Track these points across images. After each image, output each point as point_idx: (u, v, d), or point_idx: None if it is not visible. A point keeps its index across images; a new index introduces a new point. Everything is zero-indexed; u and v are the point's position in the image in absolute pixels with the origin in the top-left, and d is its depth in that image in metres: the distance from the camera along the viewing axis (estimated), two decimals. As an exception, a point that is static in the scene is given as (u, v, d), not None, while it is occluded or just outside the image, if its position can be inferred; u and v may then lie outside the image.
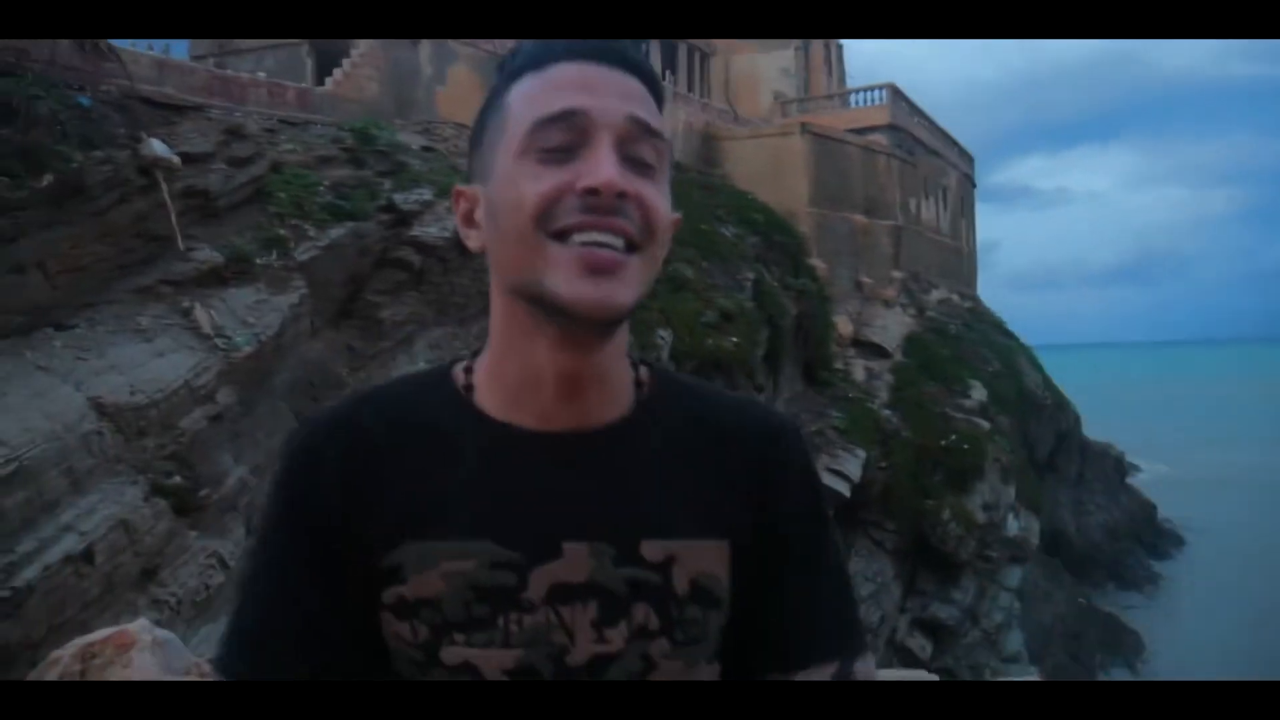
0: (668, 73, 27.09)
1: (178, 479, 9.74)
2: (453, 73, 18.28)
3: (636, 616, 0.92)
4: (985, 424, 20.84)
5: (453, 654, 0.90)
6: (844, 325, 22.39)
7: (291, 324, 11.67)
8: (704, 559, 0.95)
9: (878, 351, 22.31)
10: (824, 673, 0.96)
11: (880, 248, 25.64)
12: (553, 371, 0.94)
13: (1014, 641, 18.69)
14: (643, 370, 1.03)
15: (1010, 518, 19.98)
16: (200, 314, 10.82)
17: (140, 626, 3.34)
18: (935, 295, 27.55)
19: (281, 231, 12.21)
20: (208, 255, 11.40)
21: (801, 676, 0.96)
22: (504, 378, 0.97)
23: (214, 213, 12.03)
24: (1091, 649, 20.68)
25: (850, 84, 33.13)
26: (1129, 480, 33.66)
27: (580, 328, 0.90)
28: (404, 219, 13.58)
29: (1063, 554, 24.53)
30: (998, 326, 30.66)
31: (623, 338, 0.98)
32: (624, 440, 0.96)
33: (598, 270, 0.88)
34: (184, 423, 10.00)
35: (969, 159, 36.07)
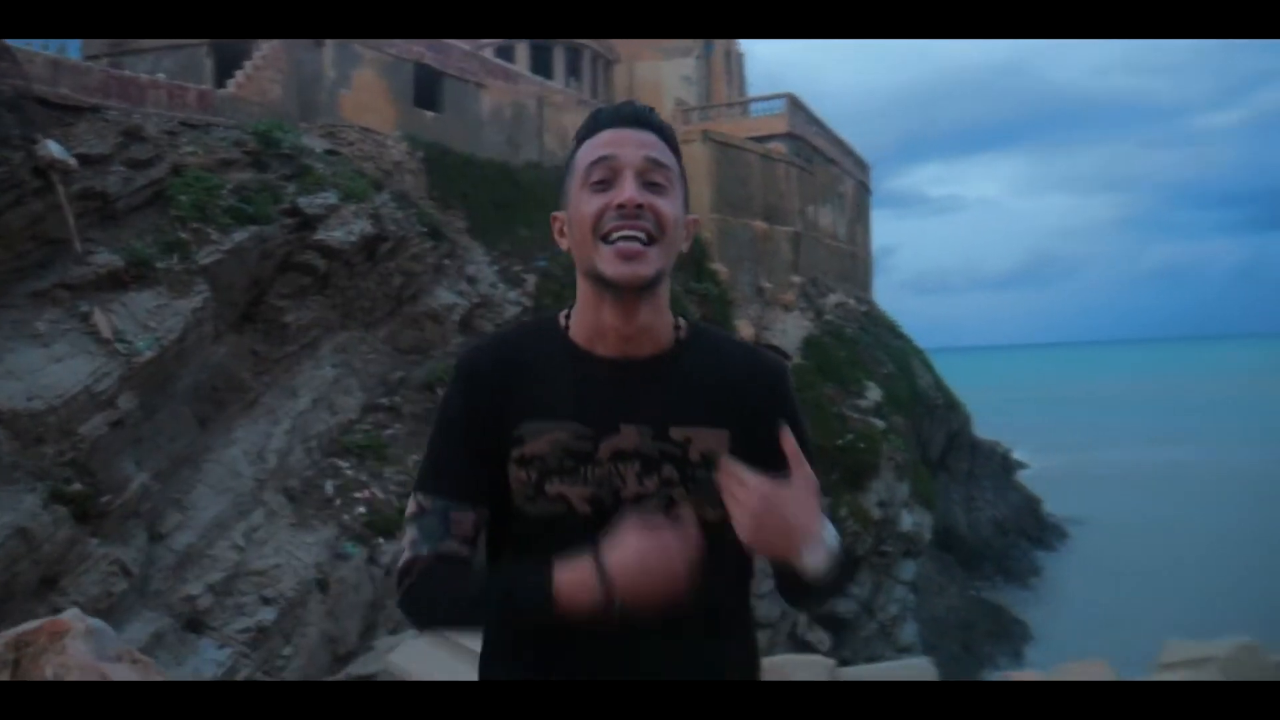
0: (571, 79, 27.35)
1: (78, 486, 9.61)
2: (357, 76, 18.20)
3: (664, 472, 1.48)
4: (880, 424, 21.55)
5: (552, 488, 1.48)
6: (745, 329, 22.88)
7: (194, 328, 11.56)
8: (710, 440, 1.49)
9: (778, 354, 22.79)
10: None
11: (780, 253, 26.26)
12: (612, 325, 1.50)
13: (909, 633, 19.38)
14: (681, 322, 1.58)
15: (904, 514, 20.71)
16: (99, 318, 10.66)
17: (73, 615, 3.47)
18: (832, 299, 28.28)
19: (183, 235, 12.06)
20: (106, 259, 11.22)
21: None
22: (584, 325, 1.53)
23: (112, 215, 11.83)
24: (982, 639, 21.51)
25: (750, 92, 33.79)
26: (1016, 477, 34.98)
27: (623, 294, 1.46)
28: (308, 222, 13.51)
29: (954, 548, 25.44)
30: (892, 329, 31.64)
31: (661, 301, 1.51)
32: (663, 365, 1.53)
33: (628, 256, 1.44)
34: (84, 429, 9.86)
35: (865, 166, 37.04)
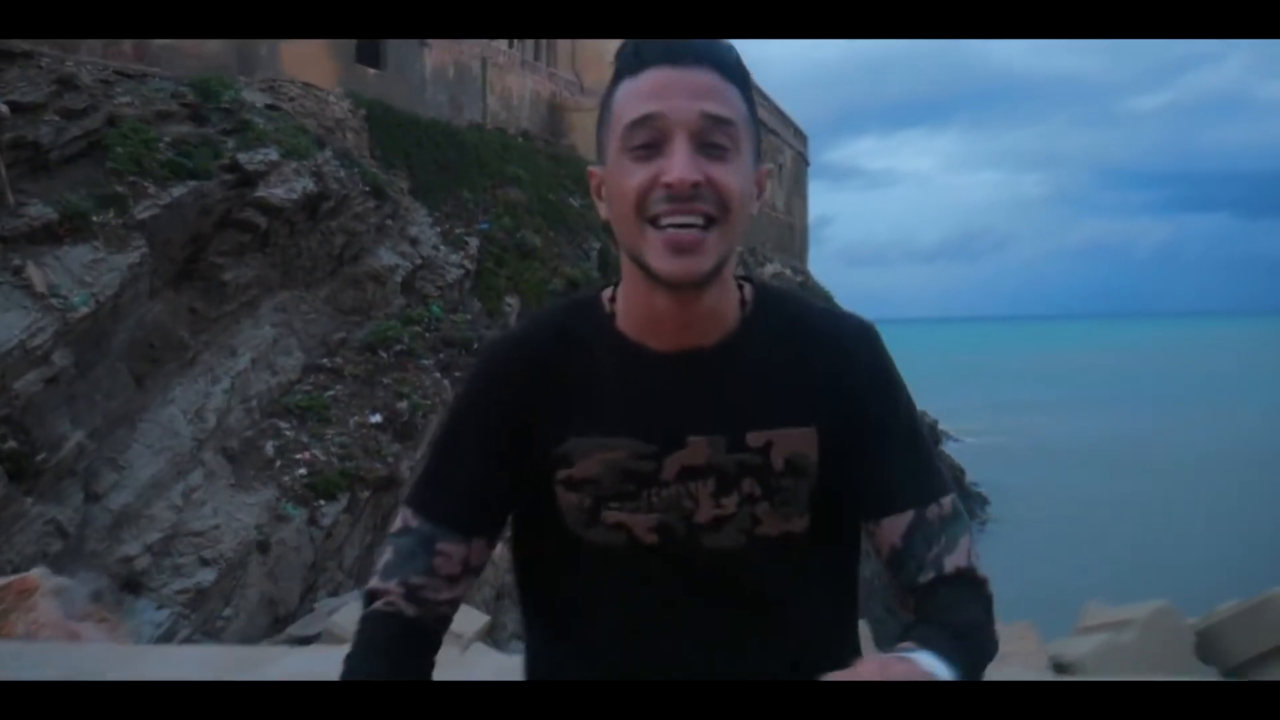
0: (514, 41, 27.04)
1: (12, 444, 9.40)
2: (297, 30, 17.79)
3: (744, 488, 1.23)
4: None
5: (610, 516, 1.24)
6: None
7: (130, 284, 11.30)
8: (796, 442, 1.23)
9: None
10: (903, 520, 1.23)
11: (720, 222, 26.38)
12: (668, 314, 1.22)
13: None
14: (746, 289, 1.30)
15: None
16: (34, 272, 10.38)
17: (40, 573, 3.47)
18: (770, 269, 28.57)
19: (119, 189, 11.76)
20: (40, 211, 10.90)
21: (885, 524, 1.24)
22: (634, 312, 1.25)
23: (45, 166, 11.49)
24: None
25: (694, 59, 33.67)
26: (943, 447, 35.81)
27: (674, 290, 1.19)
28: (249, 179, 13.24)
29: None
30: (827, 301, 32.13)
31: (725, 279, 1.23)
32: (730, 354, 1.25)
33: (681, 249, 1.15)
34: (18, 385, 9.63)
35: (803, 138, 37.30)
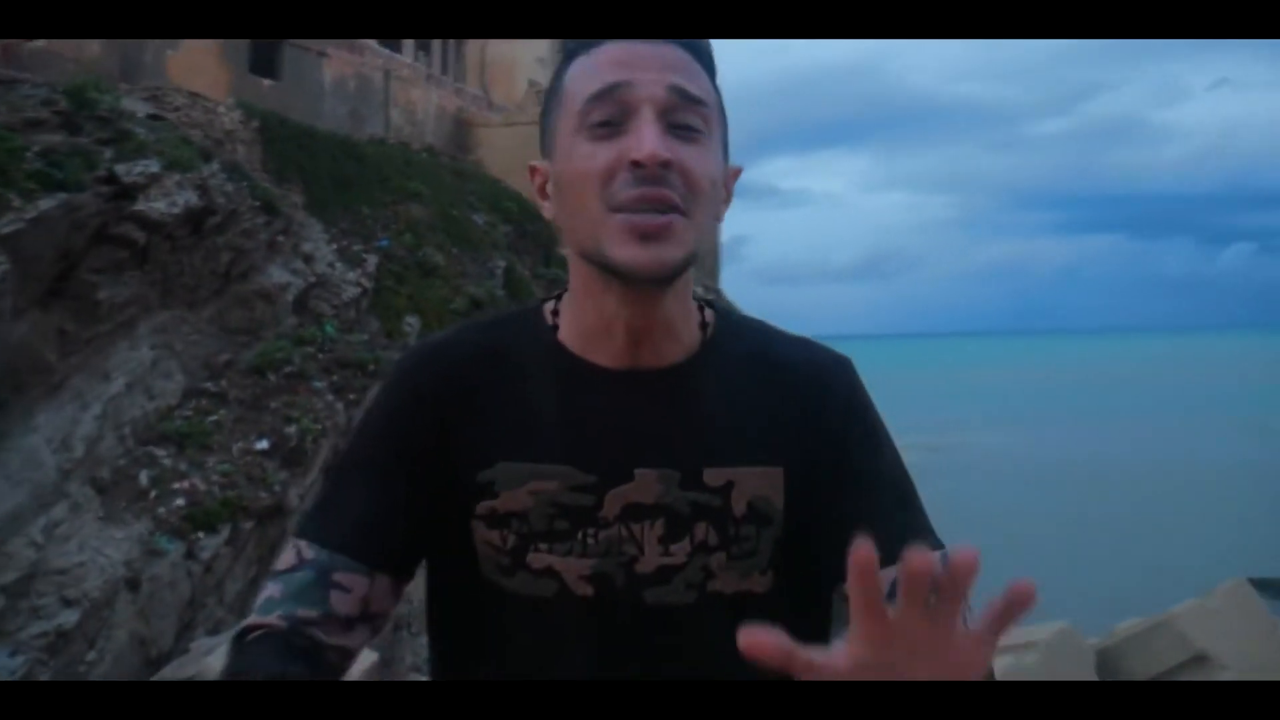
0: (421, 53, 26.50)
1: None
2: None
3: (698, 534, 1.05)
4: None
5: (538, 559, 1.04)
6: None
7: (-10, 304, 10.57)
8: (759, 483, 1.06)
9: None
10: (887, 577, 0.93)
11: (631, 240, 26.24)
12: (622, 322, 1.05)
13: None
14: (708, 313, 1.14)
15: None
16: (-124, 290, 9.61)
17: None
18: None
19: (-21, 201, 11.01)
20: (-113, 224, 10.15)
21: None
22: (582, 322, 1.09)
23: (-104, 176, 10.72)
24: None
25: (605, 77, 33.60)
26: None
27: (639, 285, 1.02)
28: (127, 192, 12.55)
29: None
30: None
31: (684, 288, 1.08)
32: (689, 378, 1.08)
33: (647, 235, 0.99)
34: None
35: (717, 157, 37.52)
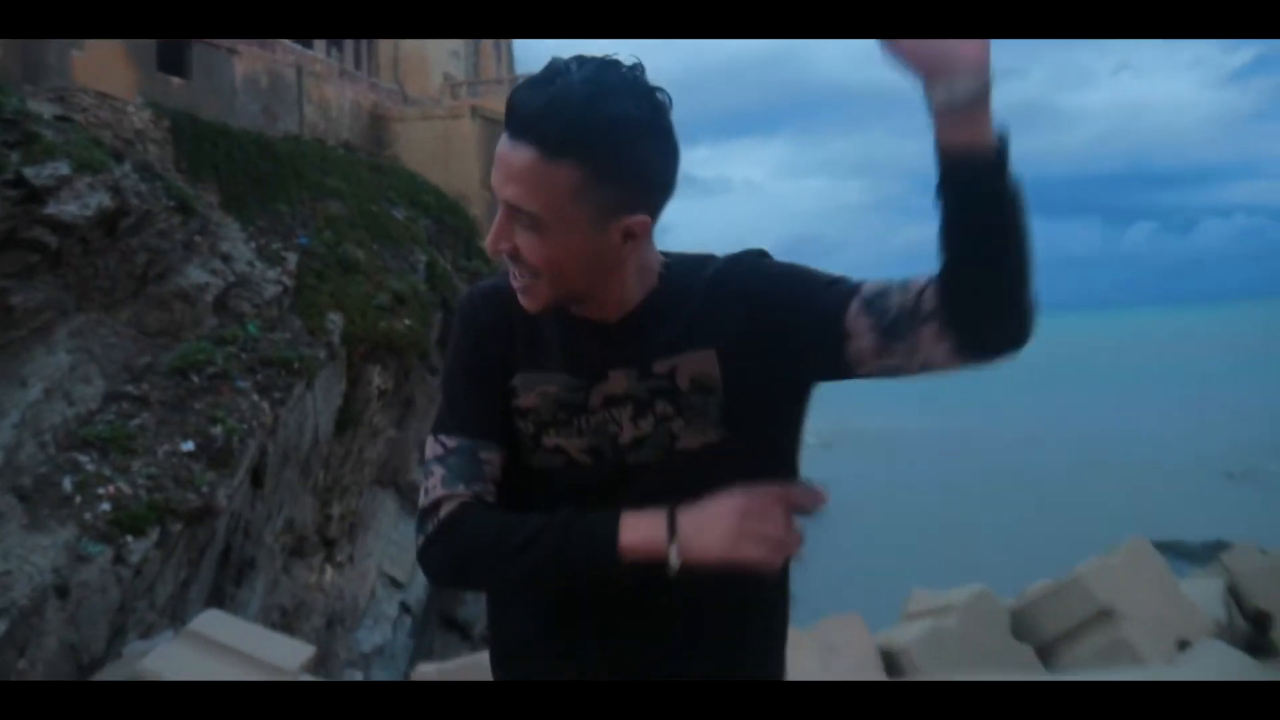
0: (334, 49, 26.23)
1: None
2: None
3: (657, 409, 1.43)
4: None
5: (549, 441, 1.45)
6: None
7: (-101, 312, 10.34)
8: (698, 363, 1.42)
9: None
10: (856, 301, 1.36)
11: (551, 231, 26.26)
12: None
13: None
14: (660, 264, 1.46)
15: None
16: None
17: None
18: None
19: (-118, 208, 10.75)
20: None
21: (849, 322, 1.36)
22: None
23: None
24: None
25: (520, 70, 33.52)
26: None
27: None
28: (36, 195, 12.31)
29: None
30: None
31: (617, 279, 1.40)
32: (642, 315, 1.43)
33: (519, 290, 1.39)
34: None
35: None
